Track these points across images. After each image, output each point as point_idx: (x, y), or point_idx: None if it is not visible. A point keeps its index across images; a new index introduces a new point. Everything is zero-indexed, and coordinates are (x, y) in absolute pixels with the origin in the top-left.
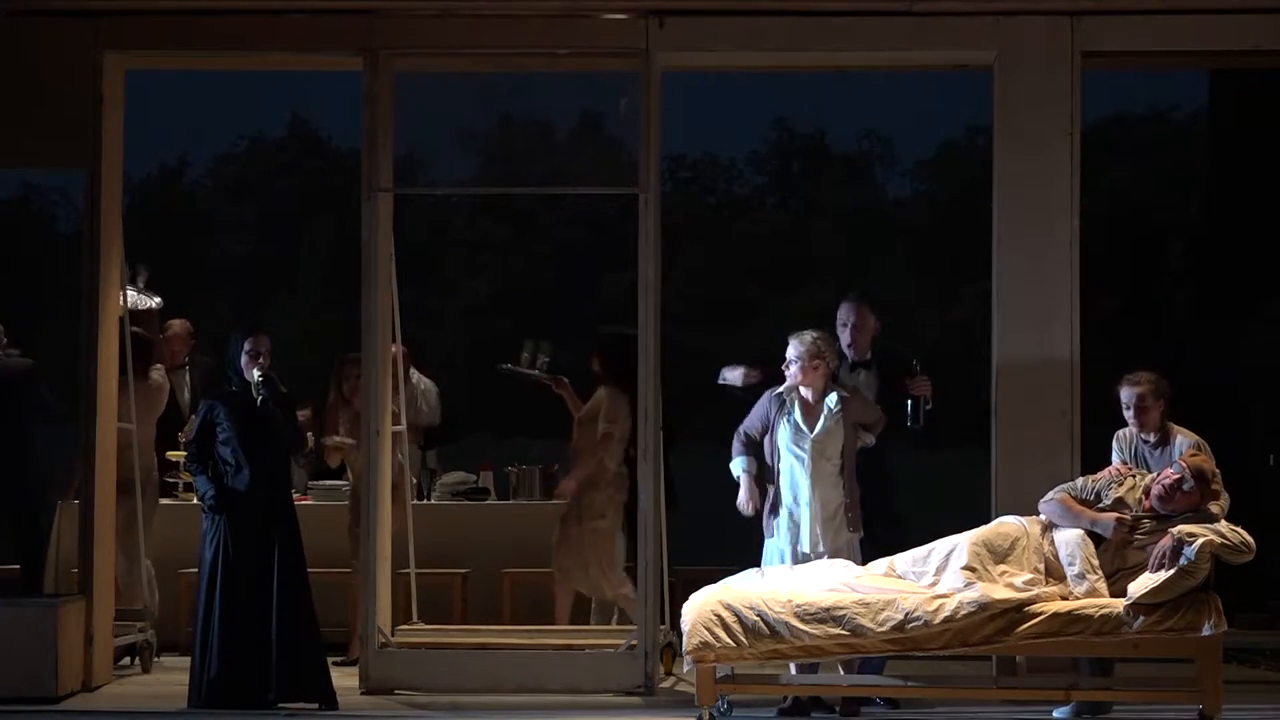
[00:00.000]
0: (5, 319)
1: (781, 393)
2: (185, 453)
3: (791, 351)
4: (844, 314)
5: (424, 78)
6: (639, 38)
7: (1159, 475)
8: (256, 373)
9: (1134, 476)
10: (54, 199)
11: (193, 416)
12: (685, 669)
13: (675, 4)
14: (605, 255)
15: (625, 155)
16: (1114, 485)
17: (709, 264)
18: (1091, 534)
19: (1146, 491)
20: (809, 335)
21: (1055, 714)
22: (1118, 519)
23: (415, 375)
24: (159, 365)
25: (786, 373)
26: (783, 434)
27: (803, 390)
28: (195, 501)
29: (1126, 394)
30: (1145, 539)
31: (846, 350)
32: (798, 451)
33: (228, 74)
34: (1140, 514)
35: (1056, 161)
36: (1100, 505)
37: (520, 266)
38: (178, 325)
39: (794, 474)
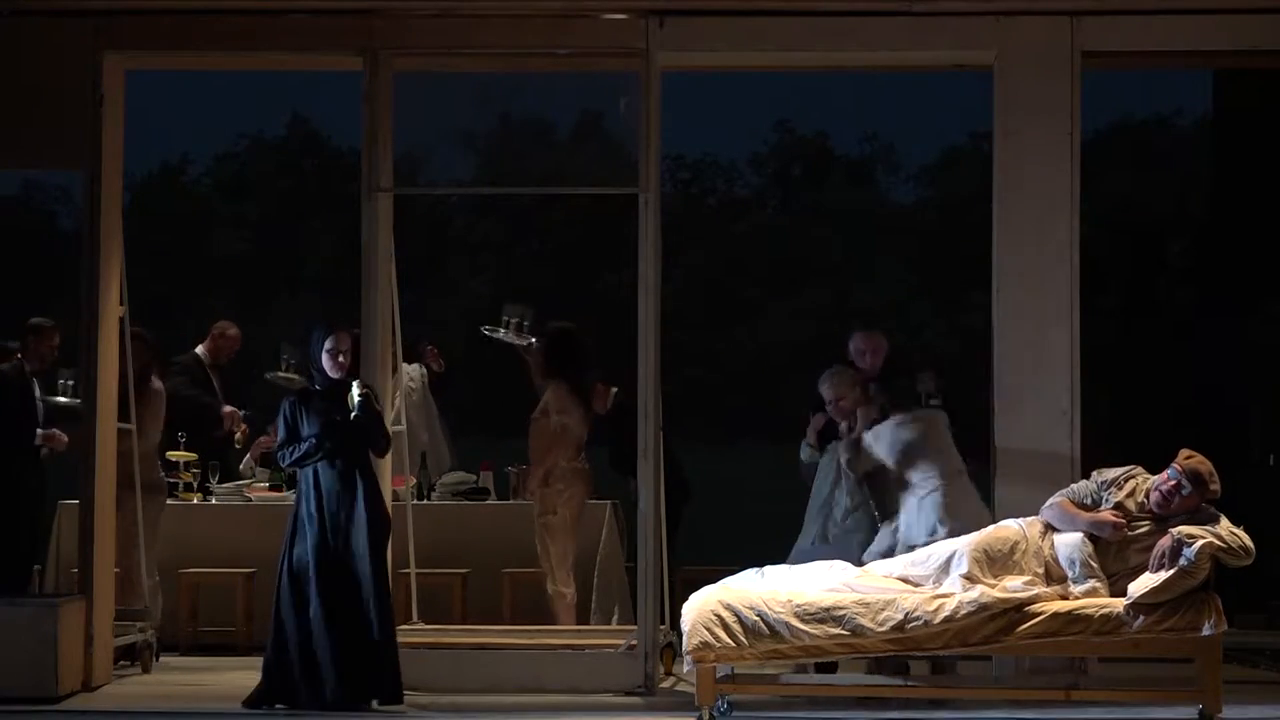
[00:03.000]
0: (5, 318)
1: (857, 437)
2: (184, 453)
3: (831, 394)
4: (860, 343)
5: (424, 78)
6: (639, 38)
7: (1157, 481)
8: (356, 391)
9: (1135, 479)
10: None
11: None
12: (685, 669)
13: (675, 4)
14: (605, 255)
15: (625, 155)
16: (1113, 489)
17: (709, 264)
18: (1091, 535)
19: (1147, 494)
20: (833, 375)
21: None
22: (1114, 522)
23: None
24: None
25: (839, 413)
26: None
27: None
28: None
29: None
30: (1147, 539)
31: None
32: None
33: (228, 74)
34: (1140, 515)
35: (1056, 161)
36: (1102, 509)
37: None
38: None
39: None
